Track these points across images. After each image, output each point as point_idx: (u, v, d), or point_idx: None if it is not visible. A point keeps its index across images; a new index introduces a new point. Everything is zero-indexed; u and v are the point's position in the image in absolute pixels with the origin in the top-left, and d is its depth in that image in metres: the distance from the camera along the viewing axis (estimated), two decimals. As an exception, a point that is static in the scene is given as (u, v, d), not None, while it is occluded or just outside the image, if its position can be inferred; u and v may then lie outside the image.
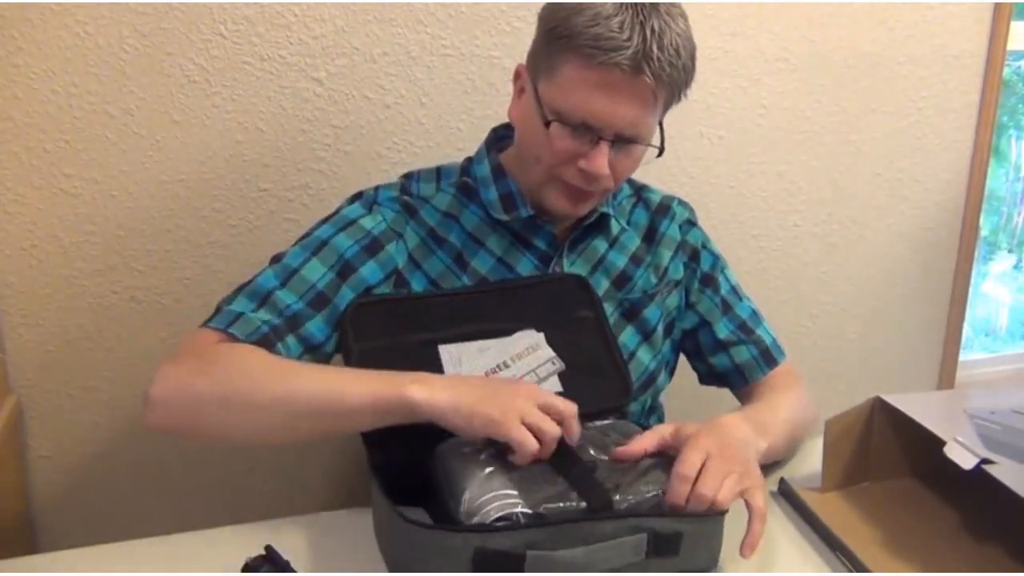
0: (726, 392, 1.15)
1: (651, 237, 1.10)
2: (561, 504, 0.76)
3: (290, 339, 0.92)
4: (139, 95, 1.19)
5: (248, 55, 1.22)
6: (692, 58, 0.92)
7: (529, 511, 0.75)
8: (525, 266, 1.03)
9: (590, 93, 0.89)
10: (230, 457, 1.36)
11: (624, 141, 0.93)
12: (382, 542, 0.84)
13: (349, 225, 0.99)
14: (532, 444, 0.78)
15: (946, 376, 1.85)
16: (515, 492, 0.76)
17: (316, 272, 0.95)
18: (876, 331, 1.76)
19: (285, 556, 0.79)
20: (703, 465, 0.80)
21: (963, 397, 1.14)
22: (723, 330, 1.11)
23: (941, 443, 0.87)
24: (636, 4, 0.88)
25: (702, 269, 1.12)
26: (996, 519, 0.91)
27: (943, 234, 1.75)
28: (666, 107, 0.96)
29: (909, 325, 1.78)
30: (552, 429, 0.79)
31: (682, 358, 1.16)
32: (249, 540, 0.83)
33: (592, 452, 0.84)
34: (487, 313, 0.96)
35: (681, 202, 1.15)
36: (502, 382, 0.86)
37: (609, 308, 1.05)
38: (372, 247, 0.98)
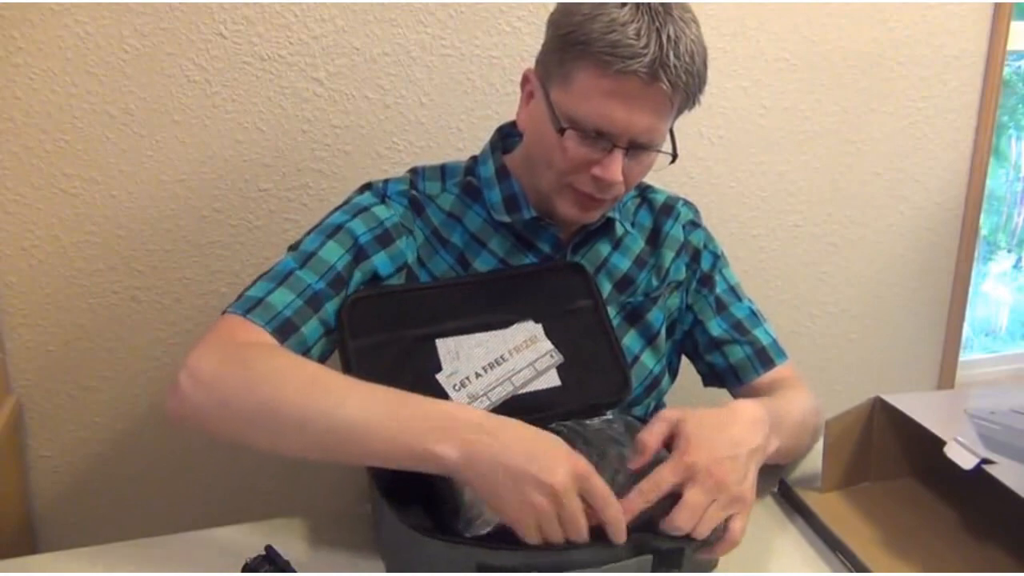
0: (727, 395, 1.15)
1: (655, 238, 1.10)
2: None
3: (313, 322, 0.90)
4: (139, 95, 1.19)
5: (248, 55, 1.22)
6: (705, 64, 0.92)
7: None
8: None
9: (606, 101, 0.88)
10: (230, 457, 1.36)
11: (638, 148, 0.92)
12: (382, 545, 0.84)
13: (363, 211, 0.98)
14: (535, 539, 0.73)
15: (946, 376, 1.85)
16: None
17: (334, 254, 0.94)
18: (876, 331, 1.76)
19: (285, 556, 0.79)
20: (684, 487, 0.76)
21: (963, 397, 1.14)
22: (716, 328, 1.10)
23: (941, 443, 0.87)
24: (651, 10, 0.87)
25: (702, 269, 1.11)
26: (996, 519, 0.91)
27: (943, 234, 1.75)
28: (679, 113, 0.95)
29: (909, 325, 1.78)
30: (574, 534, 0.73)
31: (685, 360, 1.16)
32: (249, 540, 0.83)
33: (593, 456, 0.84)
34: (484, 305, 0.95)
35: (686, 203, 1.15)
36: (543, 457, 0.73)
37: (612, 311, 1.04)
38: (384, 238, 0.97)
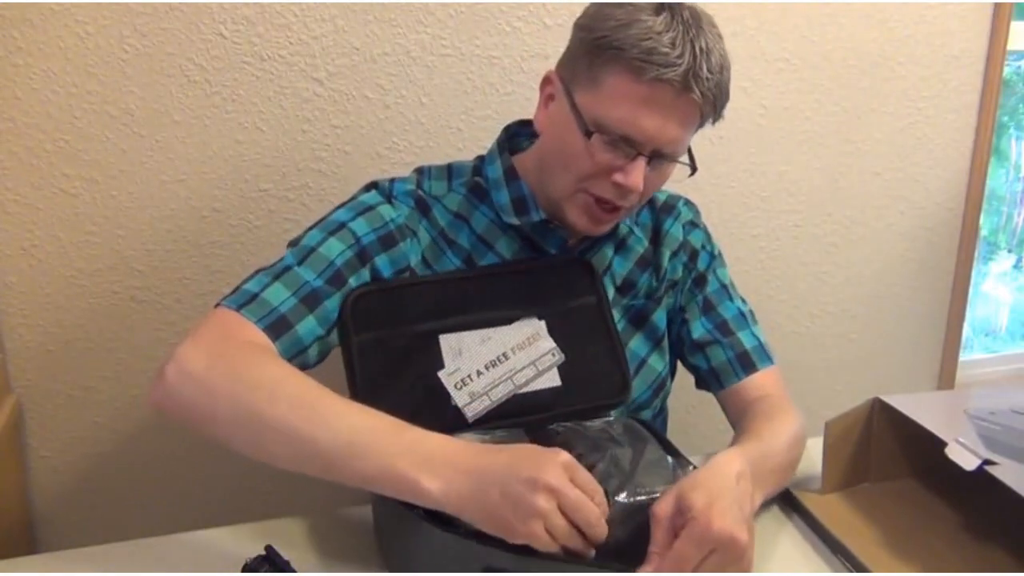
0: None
1: (655, 237, 1.09)
2: None
3: (309, 320, 0.88)
4: (139, 95, 1.19)
5: (248, 55, 1.22)
6: (729, 78, 0.92)
7: None
8: None
9: (637, 108, 0.88)
10: (230, 457, 1.36)
11: (660, 158, 0.92)
12: (384, 539, 0.84)
13: (368, 210, 0.96)
14: (551, 546, 0.70)
15: (946, 376, 1.85)
16: None
17: (335, 250, 0.92)
18: (876, 331, 1.76)
19: (285, 556, 0.79)
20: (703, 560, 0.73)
21: (963, 397, 1.14)
22: (700, 328, 1.08)
23: (941, 443, 0.87)
24: (684, 21, 0.87)
25: (697, 269, 1.11)
26: (996, 519, 0.91)
27: (943, 234, 1.75)
28: (701, 126, 0.95)
29: (909, 325, 1.78)
30: (584, 523, 0.71)
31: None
32: (249, 540, 0.83)
33: (592, 457, 0.84)
34: (489, 299, 0.94)
35: (687, 202, 1.14)
36: (525, 462, 0.72)
37: (617, 315, 1.04)
38: (387, 240, 0.95)
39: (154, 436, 1.32)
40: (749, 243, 1.60)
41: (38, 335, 1.23)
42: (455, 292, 0.94)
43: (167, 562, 0.85)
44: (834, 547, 0.88)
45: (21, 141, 1.16)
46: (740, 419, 1.02)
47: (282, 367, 0.83)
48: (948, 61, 1.62)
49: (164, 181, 1.23)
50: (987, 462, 0.83)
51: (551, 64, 0.99)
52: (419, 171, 1.04)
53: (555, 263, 1.00)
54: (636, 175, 0.90)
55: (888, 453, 1.00)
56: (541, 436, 0.86)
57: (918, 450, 0.97)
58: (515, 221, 1.00)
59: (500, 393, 0.90)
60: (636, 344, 1.05)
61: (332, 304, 0.91)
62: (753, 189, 1.57)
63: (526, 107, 1.07)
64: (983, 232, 2.19)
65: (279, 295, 0.88)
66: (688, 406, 1.44)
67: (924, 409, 0.95)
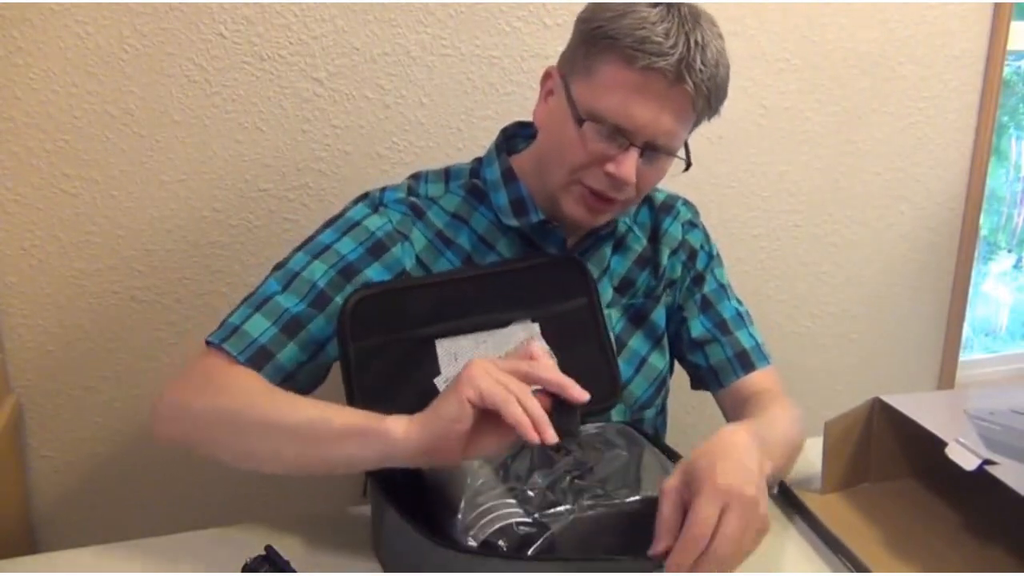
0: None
1: (654, 236, 1.10)
2: (561, 508, 0.76)
3: (291, 347, 0.91)
4: (139, 95, 1.19)
5: (248, 55, 1.22)
6: (727, 78, 0.92)
7: (528, 520, 0.74)
8: None
9: (629, 96, 0.88)
10: (230, 457, 1.36)
11: (653, 150, 0.92)
12: (381, 547, 0.84)
13: (353, 227, 0.97)
14: (508, 400, 0.71)
15: (946, 376, 1.85)
16: (512, 501, 0.76)
17: (317, 272, 0.94)
18: (876, 331, 1.76)
19: (285, 556, 0.79)
20: (720, 520, 0.71)
21: (963, 397, 1.14)
22: (699, 327, 1.09)
23: (941, 443, 0.87)
24: (681, 14, 0.88)
25: (696, 268, 1.11)
26: (996, 519, 0.91)
27: (943, 234, 1.75)
28: (697, 123, 0.95)
29: (909, 325, 1.78)
30: (523, 382, 0.73)
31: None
32: (249, 540, 0.83)
33: (587, 459, 0.84)
34: (484, 302, 0.94)
35: (686, 202, 1.14)
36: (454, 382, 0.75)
37: (616, 314, 1.04)
38: (376, 249, 0.96)
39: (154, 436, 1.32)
40: (749, 243, 1.60)
41: (38, 335, 1.23)
42: (452, 294, 0.94)
43: (167, 562, 0.85)
44: (834, 547, 0.88)
45: (21, 141, 1.16)
46: (739, 414, 1.03)
47: (251, 376, 0.88)
48: (948, 61, 1.62)
49: (164, 181, 1.23)
50: (987, 462, 0.83)
51: (551, 64, 0.99)
52: (414, 177, 1.05)
53: (549, 262, 1.00)
54: (628, 166, 0.90)
55: (888, 453, 1.00)
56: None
57: (918, 450, 0.97)
58: (514, 223, 1.00)
59: None
60: (636, 342, 1.06)
61: (317, 326, 0.92)
62: (753, 189, 1.57)
63: (526, 107, 1.08)
64: (983, 232, 2.18)
65: (260, 326, 0.91)
66: (687, 406, 1.44)
67: (924, 409, 0.95)
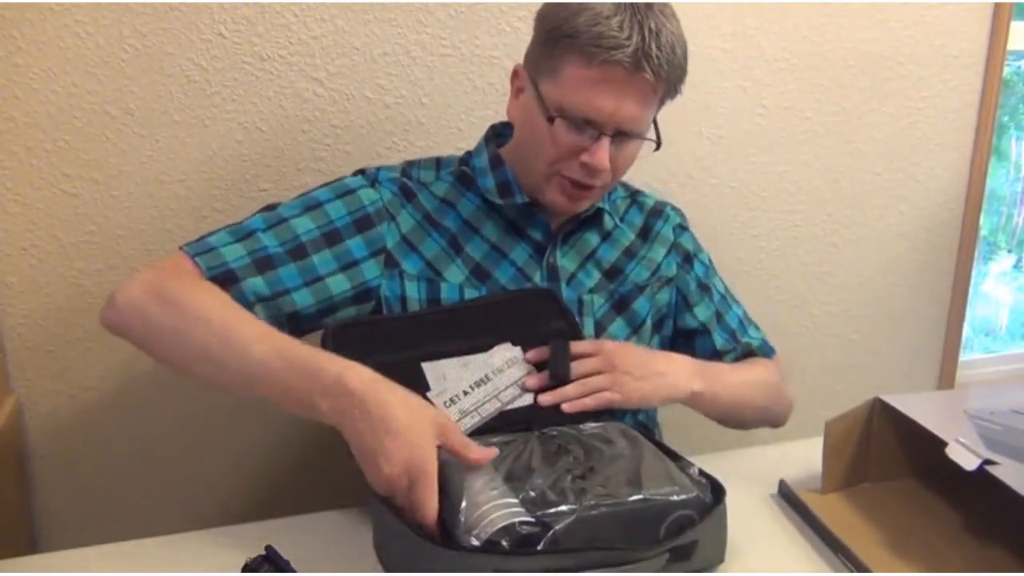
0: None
1: (646, 235, 1.15)
2: (564, 507, 0.76)
3: (257, 279, 0.93)
4: (139, 95, 1.19)
5: (248, 55, 1.22)
6: (685, 56, 0.97)
7: (531, 519, 0.74)
8: (519, 254, 1.05)
9: (593, 90, 0.93)
10: (231, 458, 1.36)
11: (623, 136, 0.97)
12: (382, 547, 0.84)
13: (347, 193, 1.01)
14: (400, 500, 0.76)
15: (946, 376, 1.85)
16: (514, 500, 0.75)
17: (303, 226, 0.97)
18: (876, 331, 1.76)
19: (285, 556, 0.79)
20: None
21: (963, 397, 1.14)
22: (719, 339, 1.15)
23: (941, 443, 0.87)
24: (633, 6, 0.92)
25: (697, 275, 1.16)
26: (996, 519, 0.91)
27: (943, 234, 1.75)
28: (661, 103, 1.00)
29: (909, 325, 1.78)
30: (419, 510, 0.75)
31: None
32: (249, 540, 0.83)
33: (588, 459, 0.84)
34: (464, 330, 0.97)
35: (674, 208, 1.20)
36: (414, 421, 0.77)
37: (600, 300, 1.08)
38: (363, 223, 1.00)
39: (155, 436, 1.32)
40: (749, 243, 1.60)
41: (38, 335, 1.23)
42: (429, 326, 0.97)
43: (167, 562, 0.84)
44: (835, 547, 0.88)
45: (21, 141, 1.16)
46: None
47: (214, 296, 0.89)
48: (948, 61, 1.62)
49: (164, 181, 1.23)
50: (987, 462, 0.83)
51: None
52: (408, 163, 1.09)
53: (522, 296, 1.03)
54: (601, 154, 0.96)
55: (888, 453, 1.00)
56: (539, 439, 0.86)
57: (918, 450, 0.97)
58: (499, 201, 1.04)
59: (488, 410, 0.91)
60: (616, 328, 1.09)
61: (287, 272, 0.95)
62: (753, 189, 1.58)
63: (526, 107, 1.09)
64: (983, 232, 2.18)
65: (234, 252, 0.94)
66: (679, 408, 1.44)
67: (924, 409, 0.95)
